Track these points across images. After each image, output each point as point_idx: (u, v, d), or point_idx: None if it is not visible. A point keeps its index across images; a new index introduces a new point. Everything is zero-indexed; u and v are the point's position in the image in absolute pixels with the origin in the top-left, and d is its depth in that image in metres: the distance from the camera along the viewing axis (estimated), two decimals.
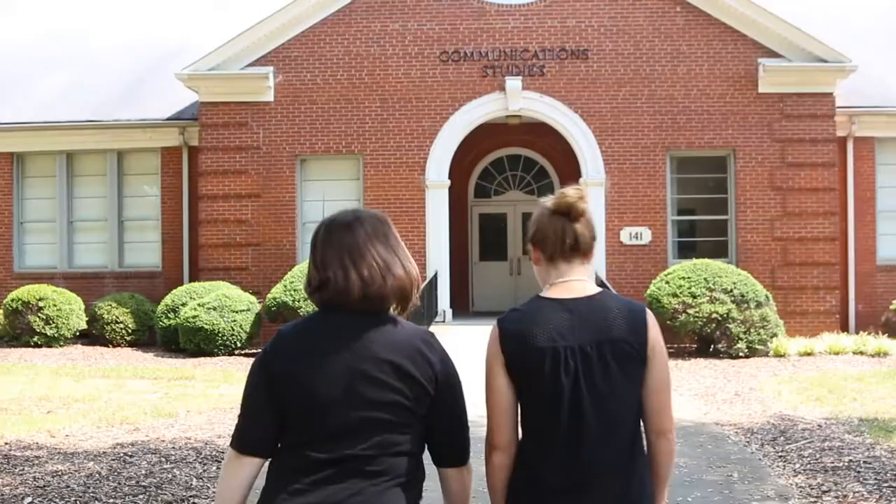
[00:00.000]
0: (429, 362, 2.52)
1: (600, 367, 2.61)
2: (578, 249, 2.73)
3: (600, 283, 14.81)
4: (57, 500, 6.58)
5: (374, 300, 2.50)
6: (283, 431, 2.52)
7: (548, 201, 2.76)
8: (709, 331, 14.37)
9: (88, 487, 6.98)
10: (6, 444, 8.42)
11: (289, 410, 2.49)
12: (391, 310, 2.56)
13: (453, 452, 2.62)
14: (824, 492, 6.69)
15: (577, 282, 2.72)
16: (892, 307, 16.48)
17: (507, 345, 2.65)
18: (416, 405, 2.50)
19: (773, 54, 16.54)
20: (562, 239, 2.72)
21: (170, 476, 7.34)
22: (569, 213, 2.72)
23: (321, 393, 2.45)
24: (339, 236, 2.54)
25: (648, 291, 15.00)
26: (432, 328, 14.34)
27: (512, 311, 2.74)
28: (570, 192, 2.73)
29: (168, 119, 17.88)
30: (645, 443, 2.74)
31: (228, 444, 2.60)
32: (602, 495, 2.60)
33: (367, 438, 2.45)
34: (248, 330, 15.28)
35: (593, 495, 2.59)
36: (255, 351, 15.88)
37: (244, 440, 2.53)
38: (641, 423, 2.72)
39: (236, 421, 2.58)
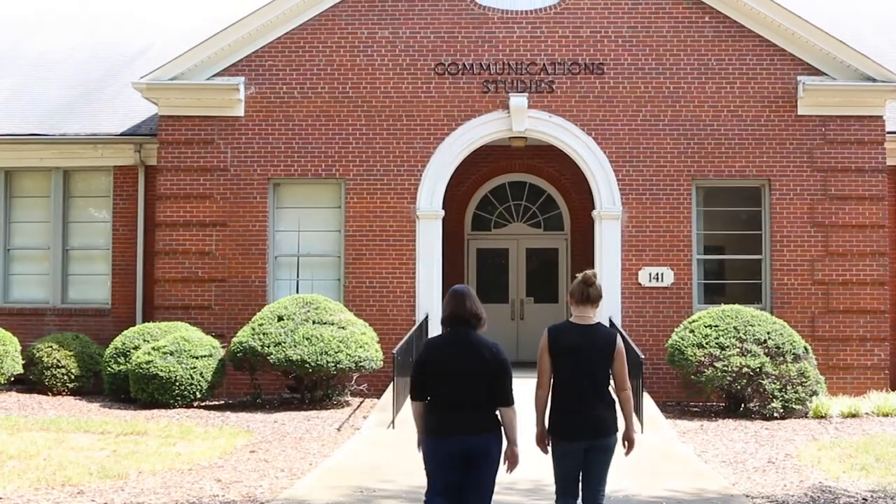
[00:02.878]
0: (495, 356, 6.23)
1: (593, 360, 6.46)
2: (590, 301, 6.59)
3: (610, 323, 15.22)
4: None
5: (472, 319, 6.30)
6: (429, 389, 6.27)
7: (580, 276, 6.61)
8: (739, 387, 14.45)
9: None
10: None
11: (432, 379, 6.24)
12: (477, 328, 6.38)
13: (502, 400, 6.24)
14: None
15: (588, 317, 6.59)
16: None
17: (552, 342, 6.51)
18: (488, 376, 6.18)
19: (814, 71, 16.76)
20: (582, 295, 6.57)
21: None
22: (587, 283, 6.57)
23: (448, 370, 6.19)
24: (457, 294, 6.38)
25: (670, 341, 15.07)
26: None
27: (554, 325, 6.64)
28: (589, 272, 6.61)
29: (122, 134, 18.02)
30: (615, 396, 6.59)
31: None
32: (590, 415, 6.41)
33: (468, 392, 6.17)
34: (209, 378, 15.29)
35: (584, 414, 6.40)
36: (217, 403, 15.85)
37: (416, 395, 6.33)
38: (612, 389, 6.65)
39: (410, 384, 6.46)
